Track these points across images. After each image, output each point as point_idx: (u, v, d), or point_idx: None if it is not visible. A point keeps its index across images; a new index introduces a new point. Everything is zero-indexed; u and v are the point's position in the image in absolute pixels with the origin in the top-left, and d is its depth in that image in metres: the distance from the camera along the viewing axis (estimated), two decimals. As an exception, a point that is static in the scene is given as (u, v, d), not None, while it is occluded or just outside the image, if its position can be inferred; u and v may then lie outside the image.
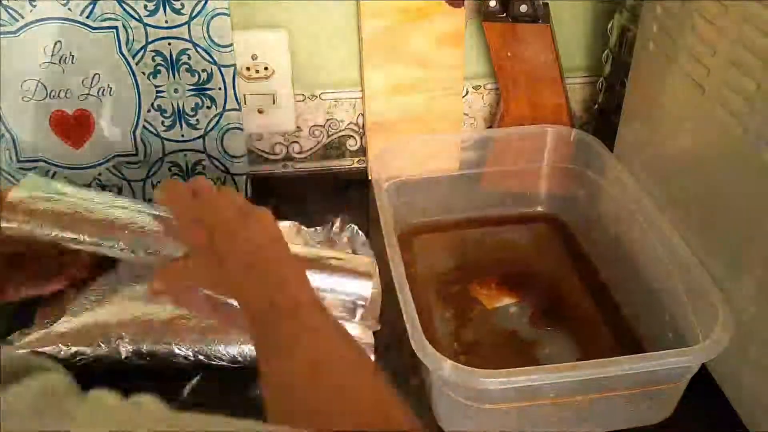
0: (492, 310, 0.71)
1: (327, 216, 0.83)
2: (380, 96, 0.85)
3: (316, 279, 0.54)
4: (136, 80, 0.78)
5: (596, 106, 0.90)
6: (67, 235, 0.54)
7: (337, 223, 0.78)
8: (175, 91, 0.79)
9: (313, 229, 0.78)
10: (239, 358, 0.63)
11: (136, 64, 0.77)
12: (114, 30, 0.75)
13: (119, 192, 0.82)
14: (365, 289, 0.55)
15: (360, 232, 0.76)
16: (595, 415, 0.57)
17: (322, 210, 0.85)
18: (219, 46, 0.77)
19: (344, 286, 0.55)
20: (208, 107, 0.80)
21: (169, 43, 0.77)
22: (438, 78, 0.85)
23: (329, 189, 0.89)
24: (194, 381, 0.64)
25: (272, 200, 0.87)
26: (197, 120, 0.81)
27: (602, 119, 0.89)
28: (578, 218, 0.81)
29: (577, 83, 0.91)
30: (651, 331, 0.66)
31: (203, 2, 0.75)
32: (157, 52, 0.77)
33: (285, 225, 0.76)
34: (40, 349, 0.62)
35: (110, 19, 0.75)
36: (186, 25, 0.76)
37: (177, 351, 0.63)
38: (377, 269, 0.68)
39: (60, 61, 0.76)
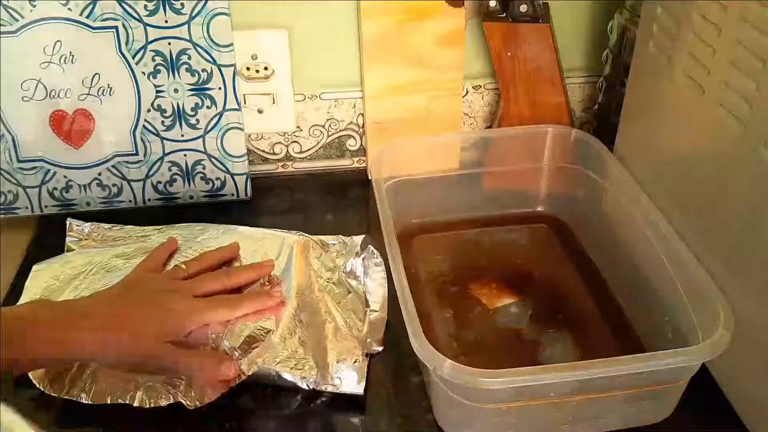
0: (492, 310, 0.71)
1: (327, 215, 0.84)
2: (380, 96, 0.85)
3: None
4: (136, 80, 0.78)
5: (596, 106, 0.90)
6: None
7: (357, 241, 0.73)
8: (175, 90, 0.79)
9: (330, 242, 0.74)
10: None
11: (136, 64, 0.77)
12: (114, 30, 0.75)
13: (119, 191, 0.83)
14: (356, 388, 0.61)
15: (376, 252, 0.71)
16: (595, 415, 0.57)
17: (322, 210, 0.85)
18: (219, 46, 0.77)
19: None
20: (208, 107, 0.80)
21: (169, 43, 0.77)
22: (438, 78, 0.85)
23: (329, 189, 0.89)
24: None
25: (272, 200, 0.87)
26: (197, 120, 0.81)
27: (602, 119, 0.89)
28: (578, 218, 0.81)
29: (577, 83, 0.91)
30: (651, 331, 0.66)
31: (203, 2, 0.76)
32: (157, 52, 0.77)
33: (295, 238, 0.72)
34: None
35: (110, 19, 0.75)
36: (186, 25, 0.76)
37: None
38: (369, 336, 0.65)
39: (60, 61, 0.76)
